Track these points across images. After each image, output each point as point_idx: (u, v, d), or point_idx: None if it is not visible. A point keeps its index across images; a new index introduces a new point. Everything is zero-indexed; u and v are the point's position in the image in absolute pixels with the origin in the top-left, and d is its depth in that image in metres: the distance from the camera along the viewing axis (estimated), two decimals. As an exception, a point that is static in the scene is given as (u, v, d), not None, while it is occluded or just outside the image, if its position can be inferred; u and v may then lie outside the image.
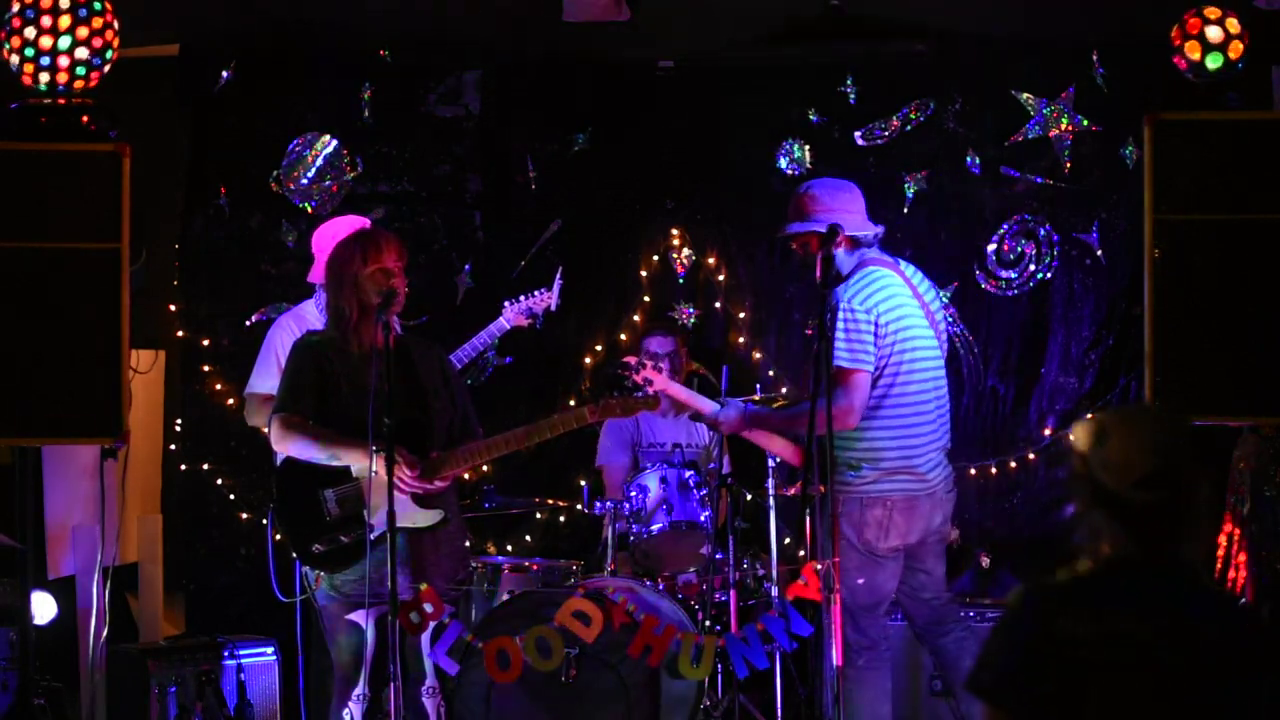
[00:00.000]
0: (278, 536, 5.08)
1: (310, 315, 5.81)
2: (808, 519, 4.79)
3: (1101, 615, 2.48)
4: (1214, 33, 5.27)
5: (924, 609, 5.38)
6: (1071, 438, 2.65)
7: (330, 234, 5.59)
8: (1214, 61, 5.26)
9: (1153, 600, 2.51)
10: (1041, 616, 2.51)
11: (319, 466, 4.89)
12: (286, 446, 4.91)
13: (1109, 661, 2.45)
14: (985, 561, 6.08)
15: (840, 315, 5.05)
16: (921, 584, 5.34)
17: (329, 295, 5.03)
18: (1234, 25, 5.28)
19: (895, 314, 5.14)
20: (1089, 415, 2.72)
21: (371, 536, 4.71)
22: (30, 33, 5.19)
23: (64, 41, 5.18)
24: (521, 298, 6.46)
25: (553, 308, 6.53)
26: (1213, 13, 5.29)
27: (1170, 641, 2.46)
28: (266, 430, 5.06)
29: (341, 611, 4.91)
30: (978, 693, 2.56)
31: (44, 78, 5.22)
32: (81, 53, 5.21)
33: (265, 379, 5.71)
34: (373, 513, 4.73)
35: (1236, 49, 5.27)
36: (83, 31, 5.20)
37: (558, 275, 6.53)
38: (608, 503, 6.04)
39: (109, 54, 5.27)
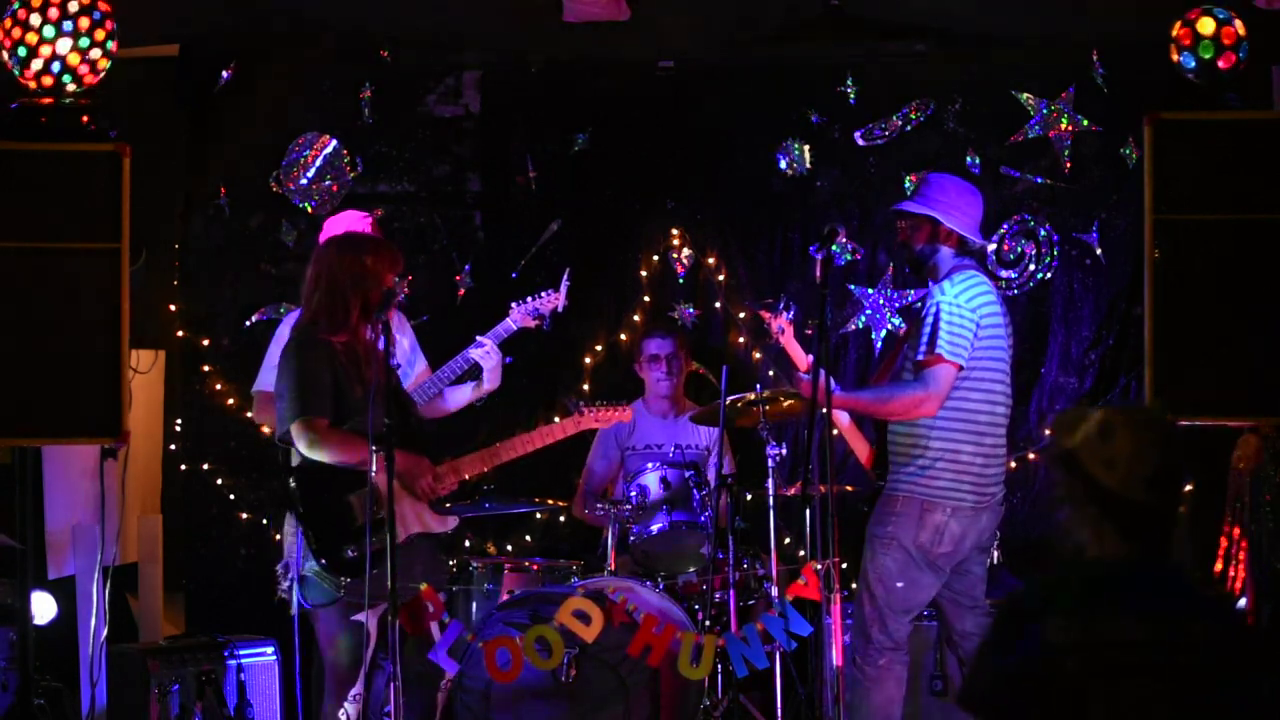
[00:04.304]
0: (290, 539, 5.04)
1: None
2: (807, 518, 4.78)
3: (1096, 621, 2.43)
4: (1223, 32, 5.25)
5: (966, 617, 5.31)
6: (1059, 432, 2.60)
7: (338, 229, 5.59)
8: (1224, 62, 5.25)
9: (1147, 603, 2.47)
10: (1033, 625, 2.46)
11: (337, 470, 4.87)
12: (320, 453, 4.85)
13: (1105, 667, 2.41)
14: (996, 556, 6.07)
15: (945, 308, 5.07)
16: (964, 590, 5.29)
17: (324, 296, 5.00)
18: (1240, 26, 5.27)
19: (991, 320, 5.16)
20: (1081, 409, 2.65)
21: (400, 540, 4.72)
22: (29, 33, 5.18)
23: (63, 42, 5.17)
24: (529, 299, 6.39)
25: (560, 309, 6.50)
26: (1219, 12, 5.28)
27: (1167, 645, 2.43)
28: (266, 429, 5.05)
29: (346, 612, 4.90)
30: (972, 706, 2.51)
31: (43, 78, 5.21)
32: (81, 53, 5.20)
33: (274, 376, 5.69)
34: (397, 518, 4.72)
35: (1241, 49, 5.26)
36: (82, 32, 5.19)
37: (565, 276, 6.46)
38: (606, 504, 6.05)
39: (109, 54, 5.26)
